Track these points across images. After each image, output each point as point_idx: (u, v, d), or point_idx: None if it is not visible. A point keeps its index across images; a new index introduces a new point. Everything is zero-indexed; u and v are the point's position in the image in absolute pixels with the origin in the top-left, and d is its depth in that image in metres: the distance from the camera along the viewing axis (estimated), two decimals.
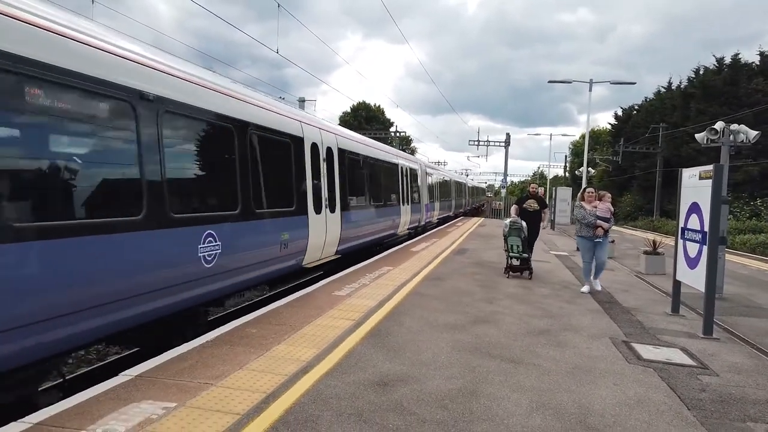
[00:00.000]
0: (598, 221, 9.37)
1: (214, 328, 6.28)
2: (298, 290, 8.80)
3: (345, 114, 62.11)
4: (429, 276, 10.67)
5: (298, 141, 9.26)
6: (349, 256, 12.21)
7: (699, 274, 7.15)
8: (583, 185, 23.99)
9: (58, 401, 4.03)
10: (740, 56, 37.21)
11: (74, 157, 4.69)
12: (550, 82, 26.21)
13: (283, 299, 7.96)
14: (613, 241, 13.33)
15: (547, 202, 13.12)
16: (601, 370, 5.39)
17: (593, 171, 39.29)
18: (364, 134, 26.90)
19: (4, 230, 3.83)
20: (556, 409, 4.34)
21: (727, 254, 19.07)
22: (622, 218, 41.92)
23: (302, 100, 34.77)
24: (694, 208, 7.48)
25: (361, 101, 63.25)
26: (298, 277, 10.39)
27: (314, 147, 9.99)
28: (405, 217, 18.41)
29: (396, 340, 6.03)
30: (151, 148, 5.47)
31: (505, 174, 53.40)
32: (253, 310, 7.30)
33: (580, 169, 26.13)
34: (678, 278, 8.04)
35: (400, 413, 4.11)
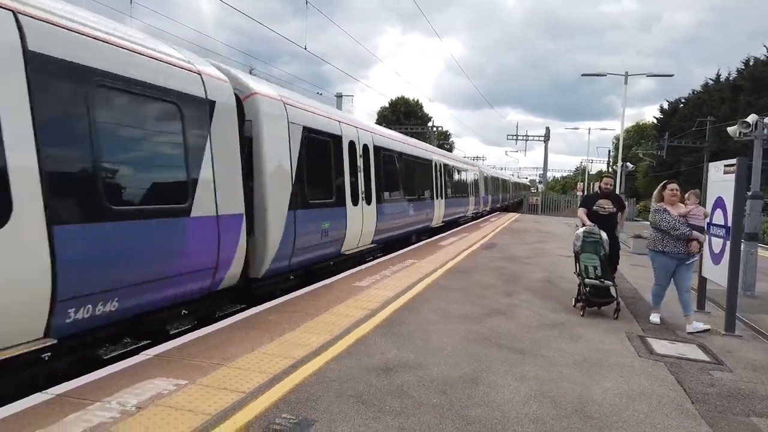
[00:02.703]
0: (695, 233, 6.82)
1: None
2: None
3: (383, 109, 61.81)
4: (453, 269, 10.75)
5: (429, 161, 18.18)
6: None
7: (723, 270, 6.99)
8: (616, 181, 23.17)
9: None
10: None
11: None
12: (583, 75, 25.70)
13: (304, 288, 8.21)
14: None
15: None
16: (610, 363, 5.39)
17: (631, 166, 38.11)
18: (400, 130, 27.89)
19: None
20: (554, 397, 4.40)
21: None
22: None
23: (339, 96, 35.28)
24: (719, 202, 7.30)
25: (400, 96, 62.87)
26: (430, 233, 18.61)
27: (434, 164, 18.64)
28: (471, 207, 26.65)
29: (407, 329, 6.17)
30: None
31: (545, 169, 52.71)
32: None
33: (616, 165, 25.42)
34: (703, 274, 7.87)
35: (399, 397, 4.26)
